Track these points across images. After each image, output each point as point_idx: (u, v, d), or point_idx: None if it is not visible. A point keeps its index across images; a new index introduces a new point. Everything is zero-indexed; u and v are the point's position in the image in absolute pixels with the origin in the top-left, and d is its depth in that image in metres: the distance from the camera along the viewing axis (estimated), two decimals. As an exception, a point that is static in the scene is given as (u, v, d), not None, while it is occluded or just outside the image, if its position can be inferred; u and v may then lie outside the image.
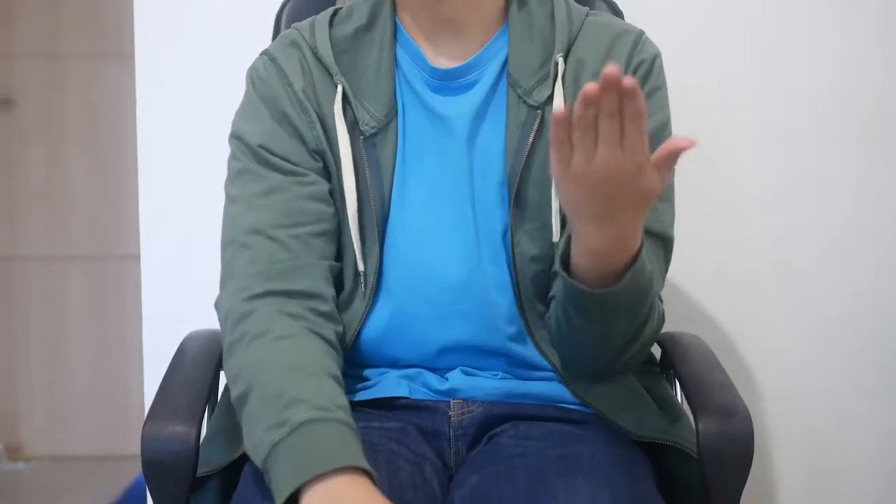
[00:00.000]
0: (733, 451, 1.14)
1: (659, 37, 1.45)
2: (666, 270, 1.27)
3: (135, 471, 2.59)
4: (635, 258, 1.11)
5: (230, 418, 1.20)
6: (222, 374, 1.34)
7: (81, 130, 3.04)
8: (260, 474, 1.10)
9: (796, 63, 1.78)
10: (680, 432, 1.24)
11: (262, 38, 1.60)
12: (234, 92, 1.32)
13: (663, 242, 1.25)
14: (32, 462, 3.06)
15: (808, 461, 1.85)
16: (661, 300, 1.24)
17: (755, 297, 1.81)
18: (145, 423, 1.18)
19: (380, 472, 1.07)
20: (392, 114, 1.26)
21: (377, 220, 1.25)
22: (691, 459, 1.21)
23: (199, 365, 1.31)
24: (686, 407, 1.24)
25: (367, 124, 1.25)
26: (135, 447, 1.23)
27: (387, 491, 1.06)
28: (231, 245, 1.23)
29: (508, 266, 1.25)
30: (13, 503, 2.87)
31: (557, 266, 1.16)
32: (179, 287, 1.79)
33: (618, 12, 1.57)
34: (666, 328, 1.36)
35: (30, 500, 2.89)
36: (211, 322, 1.35)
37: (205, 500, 1.21)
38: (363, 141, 1.26)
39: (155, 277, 1.81)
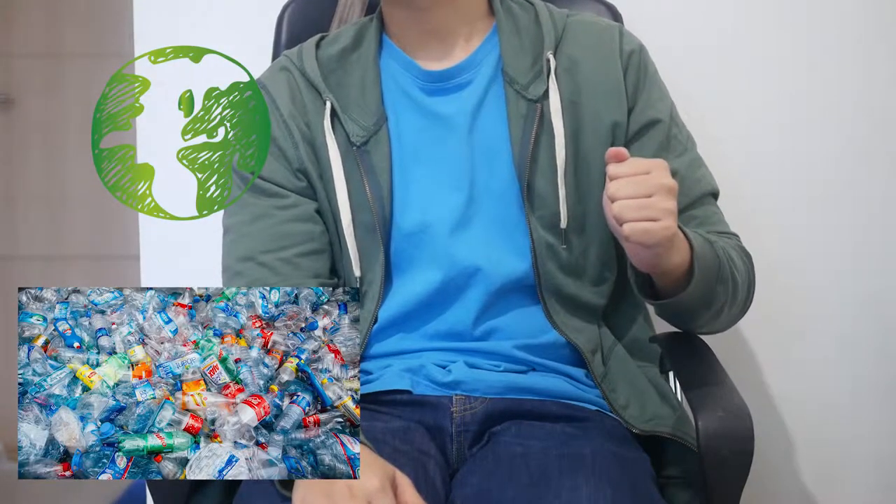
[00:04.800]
0: (733, 449, 1.14)
1: (658, 40, 1.46)
2: (723, 216, 1.37)
3: (135, 471, 2.58)
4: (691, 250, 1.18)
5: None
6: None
7: (81, 130, 3.04)
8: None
9: (797, 65, 1.78)
10: (680, 426, 1.26)
11: (263, 40, 1.60)
12: (234, 93, 1.33)
13: (714, 197, 1.36)
14: (32, 462, 3.05)
15: (808, 460, 1.85)
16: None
17: (755, 297, 1.81)
18: (147, 422, 1.18)
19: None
20: (381, 121, 1.31)
21: (378, 223, 1.28)
22: (690, 452, 1.23)
23: (199, 364, 1.32)
24: (686, 406, 1.24)
25: (356, 135, 1.30)
26: (136, 446, 1.23)
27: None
28: (227, 272, 1.32)
29: (529, 253, 1.28)
30: (13, 503, 2.87)
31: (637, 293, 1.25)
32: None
33: (617, 16, 1.58)
34: (666, 329, 1.37)
35: (30, 500, 2.88)
36: (212, 322, 1.36)
37: (205, 500, 1.22)
38: (356, 150, 1.30)
39: (155, 277, 1.81)
